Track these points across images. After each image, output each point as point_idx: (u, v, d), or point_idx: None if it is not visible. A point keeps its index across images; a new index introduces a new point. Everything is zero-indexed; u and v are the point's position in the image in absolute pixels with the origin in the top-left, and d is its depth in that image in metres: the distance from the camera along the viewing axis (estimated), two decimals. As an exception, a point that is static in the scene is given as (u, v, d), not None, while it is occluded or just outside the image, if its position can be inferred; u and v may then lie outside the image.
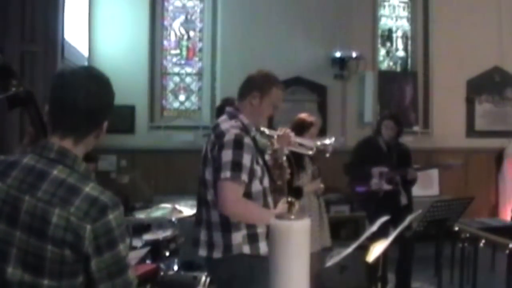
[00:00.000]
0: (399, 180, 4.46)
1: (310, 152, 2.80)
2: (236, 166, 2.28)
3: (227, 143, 2.32)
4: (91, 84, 1.39)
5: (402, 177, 4.47)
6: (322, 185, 3.91)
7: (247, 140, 2.36)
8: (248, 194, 2.38)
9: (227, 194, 2.27)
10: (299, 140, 2.79)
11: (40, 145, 1.40)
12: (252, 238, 2.39)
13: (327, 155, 2.75)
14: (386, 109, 7.35)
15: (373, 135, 4.76)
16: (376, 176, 4.39)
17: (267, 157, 3.10)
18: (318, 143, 2.77)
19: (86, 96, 1.37)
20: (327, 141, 2.76)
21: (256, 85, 2.50)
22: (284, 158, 2.66)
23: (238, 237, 2.37)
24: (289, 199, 2.63)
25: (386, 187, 4.39)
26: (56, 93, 1.40)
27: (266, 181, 2.50)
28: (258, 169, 2.41)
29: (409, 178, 4.48)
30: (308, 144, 2.78)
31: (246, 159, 2.31)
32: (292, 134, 2.71)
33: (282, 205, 2.35)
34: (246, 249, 2.38)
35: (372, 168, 4.39)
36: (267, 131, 2.68)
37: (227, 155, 2.30)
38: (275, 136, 2.71)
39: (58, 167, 1.35)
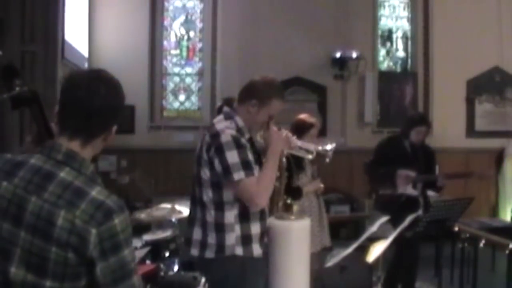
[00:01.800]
0: (421, 185, 4.27)
1: (310, 157, 2.77)
2: (246, 164, 2.30)
3: (228, 144, 2.31)
4: (100, 86, 1.39)
5: (430, 183, 4.28)
6: (322, 185, 3.91)
7: (243, 140, 2.37)
8: None
9: (250, 192, 2.28)
10: (300, 143, 2.76)
11: (48, 146, 1.40)
12: (246, 240, 2.38)
13: (327, 160, 2.71)
14: (386, 110, 7.41)
15: (397, 135, 4.47)
16: (402, 179, 4.15)
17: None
18: (320, 148, 2.74)
19: (95, 98, 1.37)
20: (329, 147, 2.72)
21: (257, 94, 2.44)
22: (284, 159, 2.64)
23: (231, 238, 2.36)
24: (288, 200, 2.64)
25: (413, 192, 4.19)
26: (65, 95, 1.40)
27: None
28: (256, 170, 2.41)
29: (438, 185, 4.30)
30: (309, 148, 2.76)
31: (250, 156, 2.34)
32: (293, 138, 2.68)
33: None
34: (239, 251, 2.36)
35: (398, 170, 4.16)
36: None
37: (233, 156, 2.29)
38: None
39: (65, 169, 1.35)
